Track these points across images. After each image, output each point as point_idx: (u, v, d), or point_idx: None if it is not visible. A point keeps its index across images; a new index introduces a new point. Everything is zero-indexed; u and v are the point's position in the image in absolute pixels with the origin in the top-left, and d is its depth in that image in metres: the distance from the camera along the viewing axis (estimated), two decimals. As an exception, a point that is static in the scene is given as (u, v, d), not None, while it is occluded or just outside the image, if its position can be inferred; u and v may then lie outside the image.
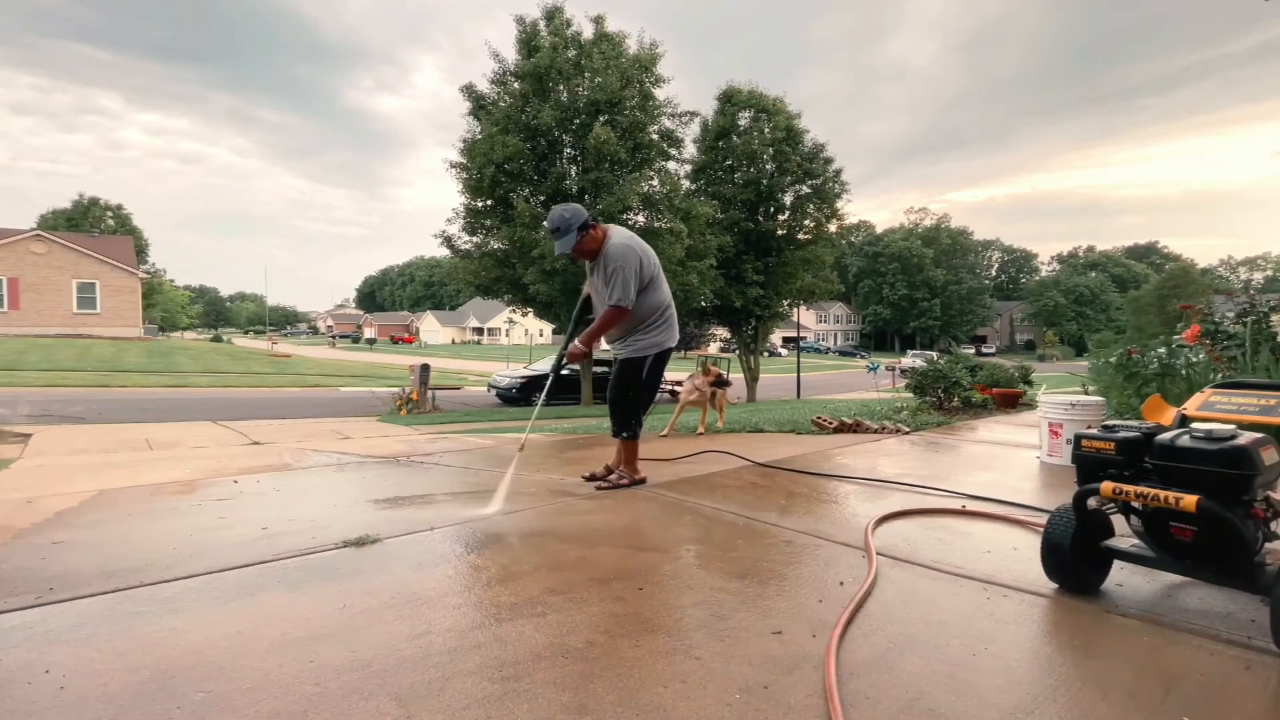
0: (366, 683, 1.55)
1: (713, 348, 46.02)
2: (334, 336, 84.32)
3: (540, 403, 5.51)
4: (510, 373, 18.35)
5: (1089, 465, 2.03)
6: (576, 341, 3.66)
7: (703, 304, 20.52)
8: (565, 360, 3.89)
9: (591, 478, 3.82)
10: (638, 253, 3.52)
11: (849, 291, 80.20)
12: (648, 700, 1.47)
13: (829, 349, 78.09)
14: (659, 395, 4.02)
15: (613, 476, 3.71)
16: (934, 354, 13.63)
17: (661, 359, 3.70)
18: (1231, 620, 1.89)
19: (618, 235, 3.59)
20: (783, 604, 2.02)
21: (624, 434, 3.69)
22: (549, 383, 4.37)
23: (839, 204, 22.08)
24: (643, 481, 3.71)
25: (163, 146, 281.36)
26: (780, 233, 22.05)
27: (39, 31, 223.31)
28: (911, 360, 24.56)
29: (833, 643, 1.70)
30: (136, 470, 4.84)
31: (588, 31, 17.14)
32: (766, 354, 37.71)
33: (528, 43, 16.81)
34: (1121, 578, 2.18)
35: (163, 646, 1.75)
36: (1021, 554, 2.47)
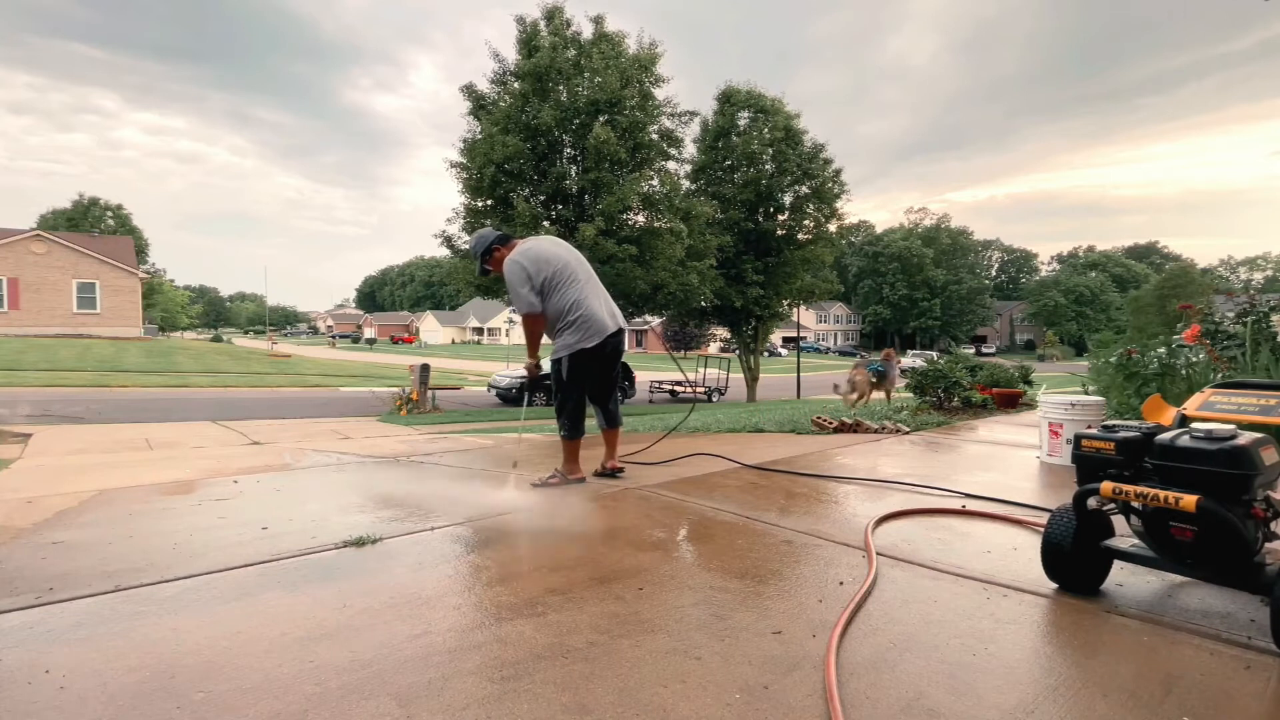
0: (366, 683, 1.55)
1: (713, 348, 46.01)
2: (334, 336, 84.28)
3: (525, 409, 5.74)
4: (510, 373, 18.37)
5: (1089, 465, 2.03)
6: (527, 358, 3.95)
7: (703, 304, 20.54)
8: (528, 375, 4.05)
9: (597, 474, 3.88)
10: (521, 264, 3.59)
11: (849, 291, 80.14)
12: (648, 700, 1.47)
13: (829, 349, 78.08)
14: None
15: (545, 475, 3.76)
16: (934, 354, 13.65)
17: (580, 359, 3.63)
18: (1231, 620, 1.89)
19: (514, 251, 3.70)
20: (783, 604, 2.02)
21: (560, 432, 3.75)
22: (526, 395, 4.60)
23: (838, 204, 22.11)
24: (580, 481, 3.73)
25: (160, 146, 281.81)
26: (780, 233, 22.06)
27: (35, 30, 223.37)
28: (911, 360, 24.54)
29: (833, 643, 1.70)
30: (136, 470, 4.84)
31: (587, 31, 17.16)
32: (766, 354, 37.68)
33: (528, 43, 16.81)
34: (1121, 578, 2.18)
35: (163, 646, 1.75)
36: (1021, 554, 2.47)
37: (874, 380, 8.34)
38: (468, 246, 4.03)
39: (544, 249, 3.70)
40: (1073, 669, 1.64)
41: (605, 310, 3.73)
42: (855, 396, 8.62)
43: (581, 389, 3.74)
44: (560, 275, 3.63)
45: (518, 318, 3.88)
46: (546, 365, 3.79)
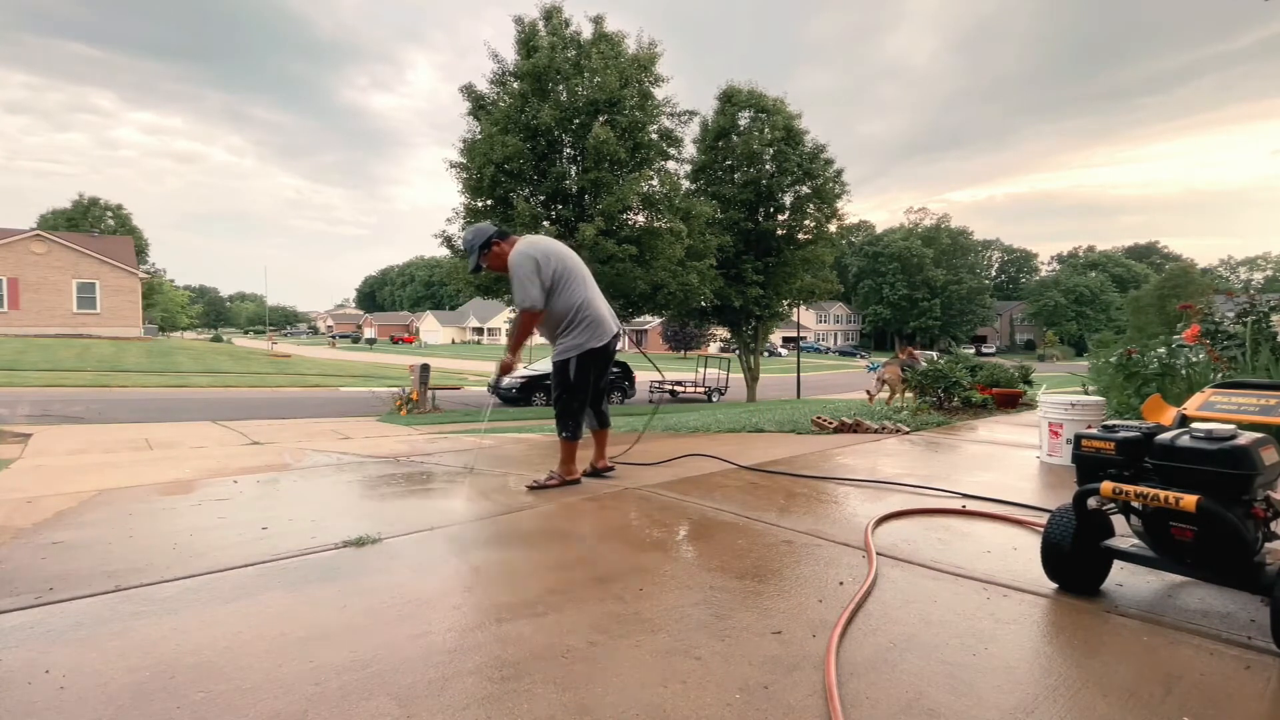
0: (366, 683, 1.55)
1: (713, 348, 45.99)
2: (334, 336, 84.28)
3: (489, 408, 5.75)
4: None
5: (1089, 465, 2.03)
6: (505, 354, 3.84)
7: (703, 304, 20.53)
8: (500, 373, 3.99)
9: (587, 474, 3.88)
10: (533, 256, 3.54)
11: (849, 291, 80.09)
12: (648, 700, 1.47)
13: (829, 349, 78.07)
14: (661, 396, 4.09)
15: (541, 477, 3.73)
16: (934, 354, 13.72)
17: (587, 359, 3.63)
18: (1231, 620, 1.89)
19: (519, 244, 3.65)
20: (783, 604, 2.02)
21: (562, 434, 3.71)
22: (492, 397, 4.55)
23: (839, 204, 22.10)
24: (576, 482, 3.71)
25: (158, 145, 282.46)
26: (780, 233, 22.05)
27: (31, 29, 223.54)
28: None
29: (833, 642, 1.70)
30: (136, 470, 4.84)
31: (587, 31, 17.17)
32: (766, 354, 37.67)
33: (526, 43, 16.81)
34: (1121, 578, 2.18)
35: (163, 646, 1.75)
36: (1021, 554, 2.47)
37: (905, 376, 8.76)
38: (463, 239, 3.91)
39: (551, 246, 3.69)
40: (1073, 669, 1.64)
41: (607, 310, 3.75)
42: (888, 394, 9.06)
43: (588, 390, 3.73)
44: (570, 273, 3.64)
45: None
46: (541, 367, 3.80)
